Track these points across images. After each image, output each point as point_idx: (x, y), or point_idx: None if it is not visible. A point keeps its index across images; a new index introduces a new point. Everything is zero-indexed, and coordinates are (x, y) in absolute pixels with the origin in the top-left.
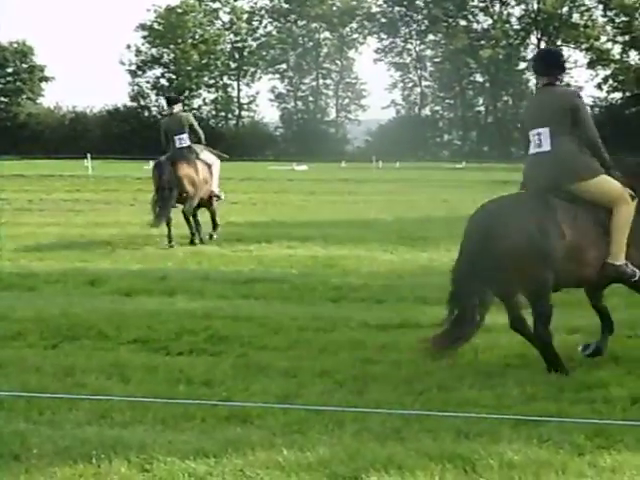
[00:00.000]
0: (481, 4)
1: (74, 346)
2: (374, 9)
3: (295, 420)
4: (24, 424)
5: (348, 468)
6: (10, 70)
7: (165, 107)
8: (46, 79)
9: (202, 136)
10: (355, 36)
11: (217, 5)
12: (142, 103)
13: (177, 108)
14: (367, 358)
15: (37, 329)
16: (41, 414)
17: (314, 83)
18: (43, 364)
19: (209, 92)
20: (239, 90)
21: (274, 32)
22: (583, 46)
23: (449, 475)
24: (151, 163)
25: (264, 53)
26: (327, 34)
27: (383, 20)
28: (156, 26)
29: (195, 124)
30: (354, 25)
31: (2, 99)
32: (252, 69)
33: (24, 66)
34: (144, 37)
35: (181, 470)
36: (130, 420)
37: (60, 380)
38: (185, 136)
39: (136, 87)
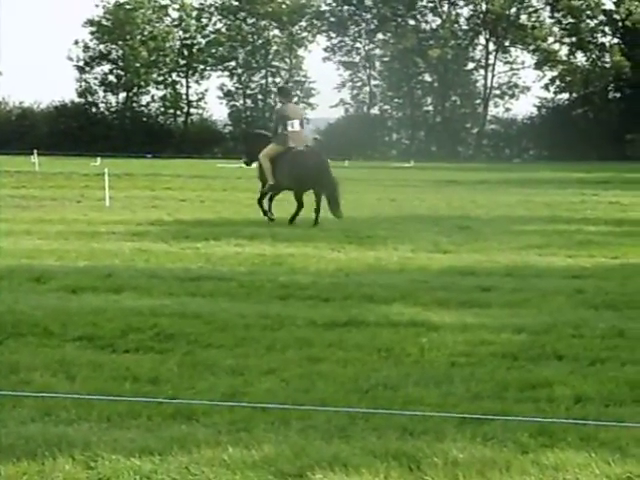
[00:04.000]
0: (430, 4)
1: (19, 343)
2: (323, 7)
3: (241, 418)
4: None
5: (293, 466)
6: None
7: None
8: None
9: None
10: (304, 34)
11: (166, 2)
12: (90, 99)
13: None
14: (313, 356)
15: None
16: None
17: (263, 81)
18: None
19: (158, 89)
20: (188, 87)
21: (223, 29)
22: (530, 47)
23: (394, 473)
24: (99, 160)
25: (213, 50)
26: (276, 32)
27: (332, 19)
28: (104, 22)
29: None
30: (303, 23)
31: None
32: (201, 66)
33: None
34: (92, 33)
35: (126, 468)
36: (75, 418)
37: (4, 377)
38: None
39: (84, 83)
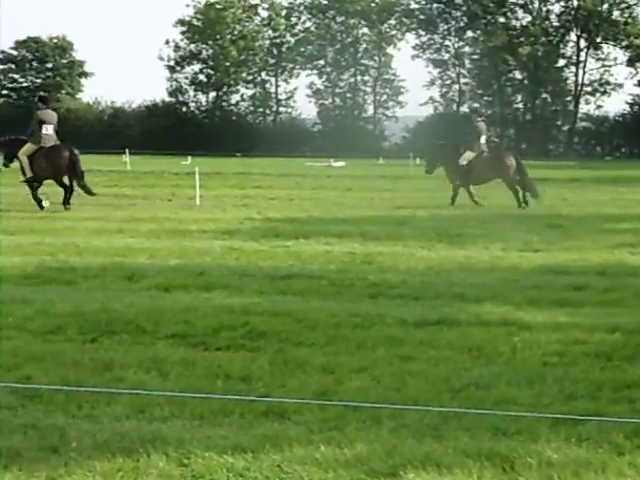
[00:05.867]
0: (520, 1)
1: (112, 340)
2: (413, 5)
3: (332, 416)
4: (63, 418)
5: (385, 465)
6: (50, 65)
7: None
8: (85, 74)
9: None
10: (393, 32)
11: (256, 1)
12: (180, 99)
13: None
14: (404, 355)
15: (76, 323)
16: (80, 408)
17: (352, 79)
18: (82, 358)
19: (247, 88)
20: (277, 86)
21: (312, 28)
22: (623, 43)
23: (487, 473)
24: (189, 159)
25: (302, 49)
26: (365, 30)
27: (422, 17)
28: (195, 22)
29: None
30: (392, 21)
31: (41, 94)
32: (290, 65)
33: (63, 61)
34: (183, 33)
35: (219, 465)
36: (168, 415)
37: (99, 374)
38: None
39: (174, 83)
